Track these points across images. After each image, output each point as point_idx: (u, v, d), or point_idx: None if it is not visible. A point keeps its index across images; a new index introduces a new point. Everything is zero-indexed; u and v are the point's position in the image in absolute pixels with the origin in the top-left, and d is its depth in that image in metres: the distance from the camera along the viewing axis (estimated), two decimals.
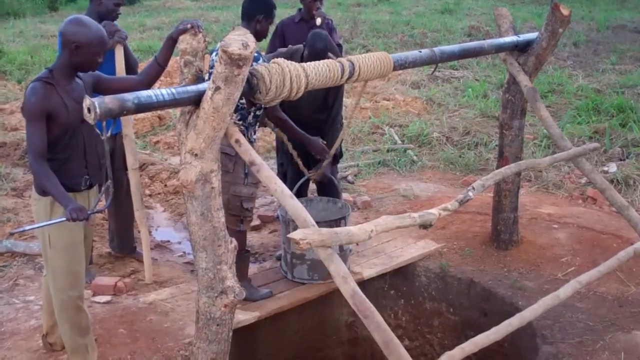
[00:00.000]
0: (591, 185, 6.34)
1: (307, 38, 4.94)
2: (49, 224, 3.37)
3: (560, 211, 6.10)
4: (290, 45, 5.19)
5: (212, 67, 3.91)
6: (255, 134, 4.45)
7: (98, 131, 2.85)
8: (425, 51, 4.17)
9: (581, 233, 5.64)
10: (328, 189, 5.32)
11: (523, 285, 4.91)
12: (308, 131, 4.98)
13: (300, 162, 5.10)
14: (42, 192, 3.50)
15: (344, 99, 5.56)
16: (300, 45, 5.08)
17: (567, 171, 7.17)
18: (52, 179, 3.31)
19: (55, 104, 3.35)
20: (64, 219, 3.22)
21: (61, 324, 3.69)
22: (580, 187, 6.79)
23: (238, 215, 4.37)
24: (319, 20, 5.65)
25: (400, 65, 3.94)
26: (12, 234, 3.44)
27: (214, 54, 4.07)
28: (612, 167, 7.08)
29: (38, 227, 3.45)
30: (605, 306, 4.61)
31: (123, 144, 4.77)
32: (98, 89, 3.57)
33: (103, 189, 3.44)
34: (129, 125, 4.75)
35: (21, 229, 3.53)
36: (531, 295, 4.69)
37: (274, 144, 5.41)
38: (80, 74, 3.52)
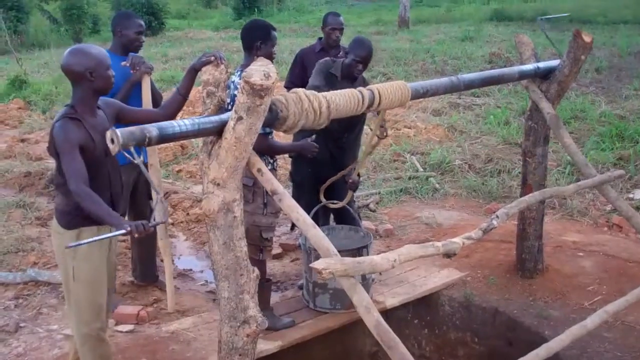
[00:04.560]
0: (616, 213, 6.27)
1: (351, 44, 4.90)
2: (108, 237, 3.15)
3: (585, 239, 6.03)
4: (330, 59, 5.09)
5: (232, 98, 3.92)
6: (276, 161, 4.46)
7: (128, 155, 2.76)
8: (446, 79, 4.16)
9: (607, 261, 5.56)
10: (345, 216, 5.29)
11: (549, 314, 4.84)
12: (336, 150, 5.04)
13: (324, 199, 5.06)
14: (67, 224, 3.48)
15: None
16: (339, 60, 5.00)
17: (592, 198, 7.09)
18: (99, 201, 3.19)
19: (84, 139, 3.33)
20: (123, 231, 3.02)
21: (84, 356, 3.67)
22: (605, 214, 6.71)
23: (257, 245, 4.35)
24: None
25: (418, 94, 3.92)
26: (69, 247, 3.19)
27: (232, 85, 4.06)
28: (638, 194, 7.00)
29: (99, 239, 3.19)
30: (633, 336, 4.53)
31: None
32: (120, 120, 3.56)
33: (155, 203, 3.25)
34: (155, 154, 4.78)
35: (77, 244, 3.19)
36: (557, 325, 4.63)
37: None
38: (101, 105, 3.51)
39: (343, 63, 4.90)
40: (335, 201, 5.07)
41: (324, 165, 5.10)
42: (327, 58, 5.07)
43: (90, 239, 3.15)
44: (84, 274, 3.53)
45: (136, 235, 3.00)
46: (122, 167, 3.78)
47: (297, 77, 5.96)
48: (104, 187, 3.52)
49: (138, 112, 3.81)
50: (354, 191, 5.12)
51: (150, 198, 4.86)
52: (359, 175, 4.86)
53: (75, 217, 3.49)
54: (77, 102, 3.41)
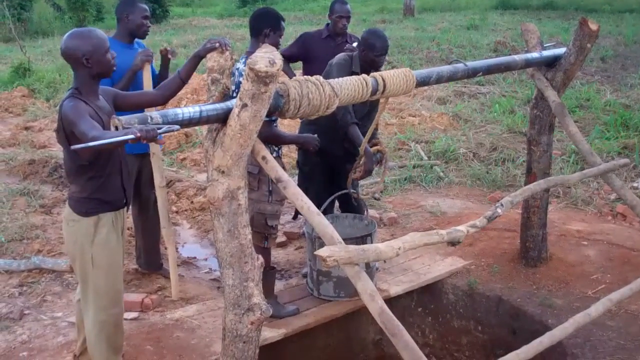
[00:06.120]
0: (621, 202, 6.26)
1: (365, 36, 4.87)
2: (116, 140, 2.64)
3: (589, 228, 6.02)
4: (344, 55, 5.05)
5: (237, 85, 3.91)
6: (280, 149, 4.45)
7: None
8: (451, 66, 4.14)
9: (611, 250, 5.56)
10: (352, 205, 5.29)
11: (552, 302, 4.84)
12: (347, 141, 4.99)
13: (351, 189, 5.04)
14: (86, 211, 3.45)
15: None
16: (354, 53, 5.00)
17: (596, 187, 7.08)
18: (107, 132, 2.88)
19: (94, 116, 3.23)
20: (132, 136, 2.58)
21: (99, 344, 3.63)
22: (609, 203, 6.70)
23: (262, 233, 4.36)
24: (355, 43, 5.70)
25: (423, 81, 3.91)
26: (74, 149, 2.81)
27: (237, 72, 4.05)
28: None
29: (102, 144, 2.68)
30: (636, 324, 4.53)
31: (150, 162, 4.78)
32: (116, 106, 3.52)
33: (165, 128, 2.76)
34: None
35: (84, 145, 2.79)
36: (561, 313, 4.62)
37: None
38: (100, 92, 3.45)
39: (361, 59, 4.87)
40: (353, 191, 5.07)
41: (335, 156, 5.09)
42: (344, 54, 5.02)
43: (97, 142, 2.68)
44: (103, 259, 3.51)
45: (144, 141, 2.63)
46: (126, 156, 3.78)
47: (294, 56, 6.00)
48: (116, 170, 3.52)
49: (133, 97, 3.74)
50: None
51: (154, 186, 4.85)
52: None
53: (93, 202, 3.47)
54: (80, 85, 3.35)
